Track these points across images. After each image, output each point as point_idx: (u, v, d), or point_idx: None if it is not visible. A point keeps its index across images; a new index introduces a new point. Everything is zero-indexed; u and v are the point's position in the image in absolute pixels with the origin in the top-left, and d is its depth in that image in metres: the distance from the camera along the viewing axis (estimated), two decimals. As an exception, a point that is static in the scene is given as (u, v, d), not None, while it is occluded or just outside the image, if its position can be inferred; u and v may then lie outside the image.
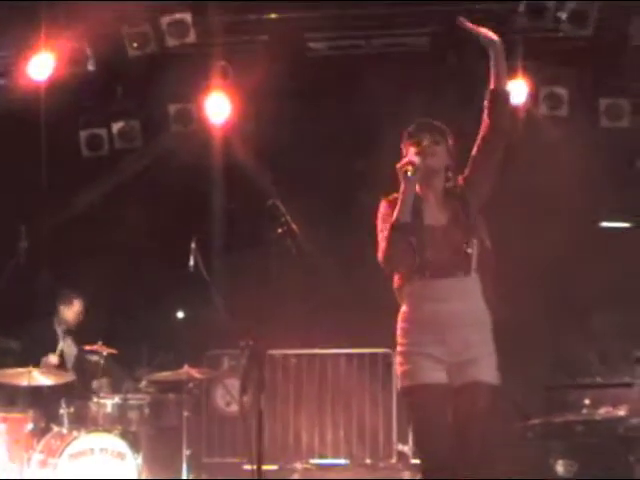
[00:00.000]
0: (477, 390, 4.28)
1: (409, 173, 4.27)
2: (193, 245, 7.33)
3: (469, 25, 4.47)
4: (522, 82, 8.91)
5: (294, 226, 4.72)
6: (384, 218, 4.45)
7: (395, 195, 4.43)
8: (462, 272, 4.34)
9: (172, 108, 9.44)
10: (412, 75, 9.02)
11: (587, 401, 7.36)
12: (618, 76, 8.88)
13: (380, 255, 4.37)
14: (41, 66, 8.59)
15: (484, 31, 4.46)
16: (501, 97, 4.43)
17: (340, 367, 9.95)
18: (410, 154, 4.37)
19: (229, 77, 9.18)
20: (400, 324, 4.45)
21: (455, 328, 4.30)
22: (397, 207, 4.33)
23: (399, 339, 4.44)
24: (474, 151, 4.49)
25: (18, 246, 6.90)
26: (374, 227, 4.56)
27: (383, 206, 4.52)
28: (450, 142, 4.52)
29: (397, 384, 4.49)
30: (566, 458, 6.58)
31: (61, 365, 7.86)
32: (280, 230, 4.70)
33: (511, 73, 8.83)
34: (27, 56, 8.54)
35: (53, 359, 7.77)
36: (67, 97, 8.98)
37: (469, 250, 4.35)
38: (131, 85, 9.44)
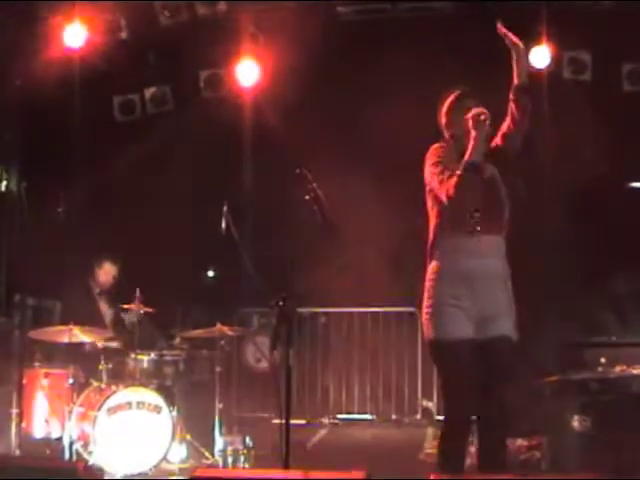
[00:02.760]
0: (501, 344, 4.53)
1: (483, 119, 4.56)
2: (225, 208, 7.49)
3: (500, 29, 4.86)
4: (546, 47, 8.99)
5: (320, 192, 4.93)
6: (436, 162, 4.72)
7: (442, 144, 4.80)
8: (498, 230, 4.67)
9: (203, 74, 9.62)
10: (436, 39, 9.09)
11: (603, 359, 7.50)
12: (641, 41, 8.92)
13: (451, 192, 4.57)
14: (75, 33, 8.80)
15: (510, 35, 4.86)
16: (522, 92, 4.71)
17: (367, 325, 10.13)
18: (475, 111, 4.63)
19: (258, 43, 9.31)
20: (432, 277, 4.67)
21: (485, 284, 4.56)
22: (469, 150, 4.59)
23: (429, 292, 4.65)
24: (498, 138, 4.78)
25: (57, 211, 7.07)
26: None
27: (435, 151, 4.80)
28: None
29: (425, 336, 4.68)
30: (581, 414, 6.73)
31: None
32: (307, 197, 4.92)
33: (535, 38, 8.99)
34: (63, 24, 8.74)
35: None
36: (101, 64, 9.18)
37: (506, 210, 4.70)
38: (163, 52, 9.60)
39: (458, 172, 4.57)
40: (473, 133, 4.60)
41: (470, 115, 4.60)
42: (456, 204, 4.58)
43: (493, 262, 4.62)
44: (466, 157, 4.59)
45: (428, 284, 4.67)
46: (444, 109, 4.90)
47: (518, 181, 4.79)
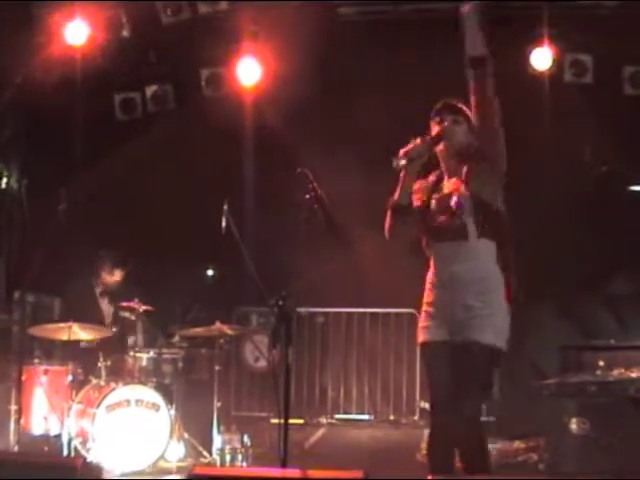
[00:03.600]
0: (471, 349, 4.55)
1: (400, 163, 4.66)
2: (225, 207, 7.50)
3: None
4: (547, 49, 9.00)
5: (321, 192, 4.96)
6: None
7: (430, 177, 4.88)
8: (461, 237, 4.66)
9: (204, 72, 9.61)
10: (439, 40, 9.09)
11: (601, 362, 7.52)
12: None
13: (385, 229, 4.89)
14: (76, 31, 8.81)
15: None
16: (469, 65, 4.72)
17: (366, 326, 10.15)
18: (414, 141, 4.70)
19: (260, 42, 9.31)
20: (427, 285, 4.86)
21: (455, 289, 4.64)
22: (397, 190, 4.79)
23: (424, 299, 4.86)
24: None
25: (58, 208, 7.08)
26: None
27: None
28: (472, 123, 4.80)
29: None
30: (579, 417, 6.75)
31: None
32: (308, 196, 4.94)
33: (537, 40, 9.00)
34: (64, 22, 8.75)
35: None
36: (102, 62, 9.18)
37: (463, 218, 4.67)
38: (164, 50, 9.61)
39: (388, 214, 4.81)
40: (401, 173, 4.74)
41: (400, 153, 4.69)
42: (391, 239, 4.88)
43: (460, 268, 4.65)
44: (394, 197, 4.80)
45: None
46: None
47: (496, 195, 4.74)
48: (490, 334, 4.58)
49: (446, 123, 4.74)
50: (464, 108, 4.81)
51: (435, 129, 4.78)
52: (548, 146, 9.33)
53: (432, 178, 4.87)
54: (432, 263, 4.81)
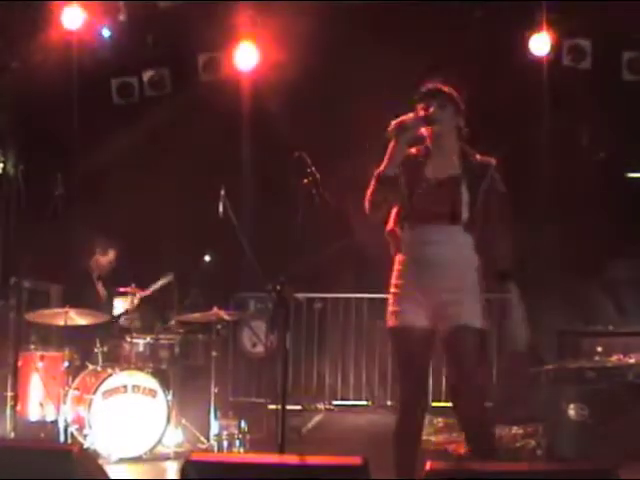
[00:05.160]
0: (460, 334, 4.44)
1: (396, 133, 4.49)
2: (222, 192, 7.49)
3: None
4: (545, 35, 8.97)
5: (319, 177, 4.94)
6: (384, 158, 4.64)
7: (414, 151, 4.69)
8: (447, 220, 4.52)
9: (201, 57, 9.58)
10: (438, 27, 9.07)
11: (599, 348, 7.53)
12: (642, 29, 8.91)
13: (365, 201, 4.60)
14: (73, 16, 8.77)
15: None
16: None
17: (363, 311, 10.14)
18: (412, 115, 4.57)
19: (257, 26, 9.28)
20: (395, 267, 4.66)
21: (436, 273, 4.49)
22: (385, 161, 4.56)
23: (392, 281, 4.65)
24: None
25: (55, 194, 7.07)
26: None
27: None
28: (460, 105, 4.70)
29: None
30: (578, 402, 6.75)
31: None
32: (305, 180, 4.92)
33: (535, 26, 8.97)
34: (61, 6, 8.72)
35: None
36: (99, 46, 9.15)
37: (460, 204, 4.53)
38: (161, 35, 9.57)
39: (372, 183, 4.56)
40: (391, 143, 4.54)
41: (392, 123, 4.54)
42: (371, 213, 4.61)
43: (442, 251, 4.52)
44: (380, 168, 4.56)
45: (394, 272, 4.69)
46: None
47: (495, 177, 4.64)
48: (478, 317, 4.50)
49: (432, 109, 4.61)
50: (449, 91, 4.70)
51: (420, 111, 4.63)
52: (546, 132, 9.32)
53: (416, 152, 4.69)
54: (407, 244, 4.62)
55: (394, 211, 4.70)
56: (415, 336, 4.52)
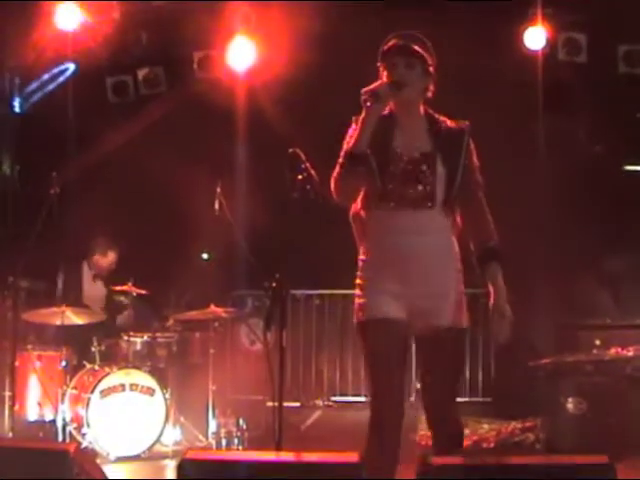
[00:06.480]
0: (442, 336, 3.99)
1: (368, 103, 3.95)
2: (218, 189, 7.49)
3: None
4: (541, 28, 8.96)
5: (314, 173, 4.91)
6: (349, 140, 4.09)
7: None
8: (422, 204, 4.02)
9: (196, 55, 9.56)
10: (439, 20, 9.03)
11: (597, 341, 7.53)
12: (637, 22, 8.87)
13: (332, 183, 4.07)
14: (68, 14, 8.75)
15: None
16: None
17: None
18: (381, 81, 4.09)
19: (253, 23, 9.25)
20: (360, 256, 4.16)
21: (415, 262, 3.99)
22: (355, 135, 3.99)
23: (358, 272, 4.15)
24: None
25: (50, 193, 7.07)
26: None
27: (352, 127, 4.15)
28: (429, 60, 4.17)
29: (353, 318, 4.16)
30: (576, 396, 6.75)
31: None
32: (300, 177, 4.89)
33: (530, 19, 8.96)
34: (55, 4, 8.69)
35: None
36: (94, 45, 9.12)
37: (435, 183, 4.03)
38: (156, 32, 9.54)
39: (337, 166, 4.01)
40: (362, 114, 3.96)
41: (362, 92, 3.97)
42: (339, 197, 4.05)
43: (423, 239, 4.01)
44: (348, 146, 3.99)
45: (359, 262, 4.18)
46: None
47: (472, 146, 4.15)
48: (461, 316, 4.06)
49: (398, 69, 4.06)
50: (417, 48, 4.12)
51: (384, 75, 4.10)
52: (543, 126, 9.30)
53: (381, 122, 4.03)
54: (376, 230, 4.09)
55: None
56: (389, 329, 3.98)
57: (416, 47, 4.12)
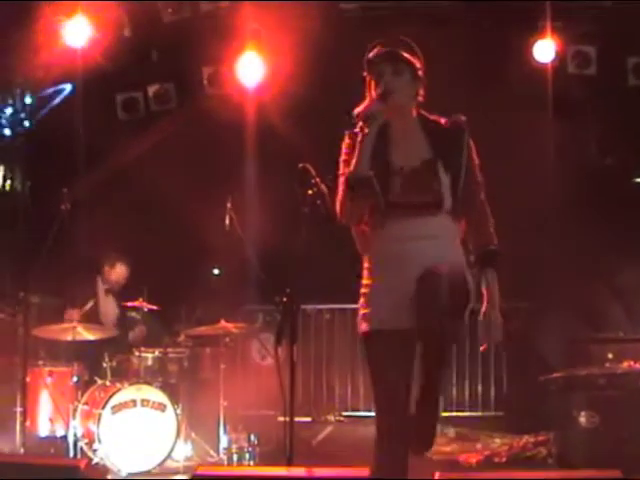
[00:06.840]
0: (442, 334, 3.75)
1: (366, 130, 3.80)
2: (229, 205, 7.51)
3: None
4: (550, 41, 8.97)
5: (324, 188, 4.91)
6: (346, 158, 3.95)
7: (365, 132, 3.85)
8: (429, 213, 3.89)
9: (206, 71, 9.60)
10: (441, 37, 9.06)
11: (610, 355, 7.49)
12: (646, 34, 8.89)
13: (337, 206, 3.92)
14: (77, 31, 8.79)
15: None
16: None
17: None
18: (370, 99, 3.92)
19: (262, 39, 9.29)
20: (365, 264, 4.03)
21: (420, 268, 3.79)
22: (355, 160, 3.81)
23: (363, 280, 4.02)
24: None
25: (60, 209, 7.10)
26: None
27: (346, 143, 4.01)
28: (417, 64, 4.01)
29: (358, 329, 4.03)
30: (588, 410, 6.71)
31: (91, 319, 7.99)
32: (310, 192, 4.90)
33: (540, 32, 8.97)
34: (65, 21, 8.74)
35: (74, 314, 7.84)
36: (104, 62, 9.17)
37: (441, 190, 3.90)
38: (166, 49, 9.59)
39: (340, 190, 3.85)
40: (359, 136, 3.80)
41: (355, 115, 3.81)
42: (348, 221, 3.93)
43: (426, 245, 3.88)
44: (350, 168, 3.82)
45: (364, 272, 4.05)
46: None
47: (471, 144, 4.02)
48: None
49: (385, 77, 3.90)
50: (404, 54, 3.97)
51: (372, 85, 3.94)
52: (553, 138, 9.30)
53: (369, 132, 3.82)
54: (381, 241, 3.93)
55: None
56: (393, 341, 3.82)
57: (403, 52, 3.97)
